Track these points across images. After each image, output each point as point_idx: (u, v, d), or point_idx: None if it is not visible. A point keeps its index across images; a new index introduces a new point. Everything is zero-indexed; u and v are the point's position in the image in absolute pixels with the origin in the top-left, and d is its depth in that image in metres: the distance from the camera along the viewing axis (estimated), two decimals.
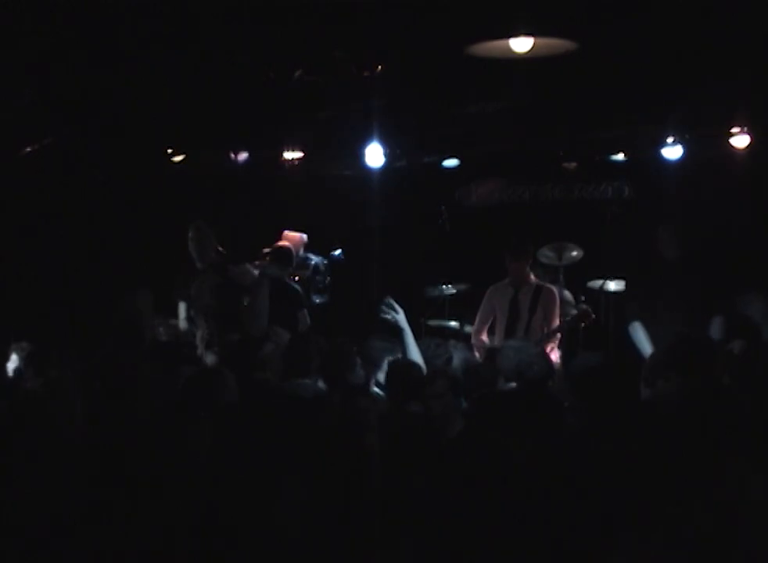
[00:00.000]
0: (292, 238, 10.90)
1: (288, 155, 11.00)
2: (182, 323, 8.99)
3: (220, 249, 9.13)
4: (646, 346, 7.30)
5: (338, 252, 11.07)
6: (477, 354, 8.60)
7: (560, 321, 8.69)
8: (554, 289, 8.90)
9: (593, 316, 8.77)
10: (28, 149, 9.60)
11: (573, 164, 11.73)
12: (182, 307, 8.97)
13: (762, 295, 6.68)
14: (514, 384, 6.34)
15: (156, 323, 9.85)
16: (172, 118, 9.15)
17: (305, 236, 11.07)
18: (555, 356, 8.49)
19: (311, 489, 4.05)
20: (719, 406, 3.82)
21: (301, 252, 10.90)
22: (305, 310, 9.45)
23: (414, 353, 6.60)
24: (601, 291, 10.76)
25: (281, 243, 9.96)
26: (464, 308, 10.64)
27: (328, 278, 11.07)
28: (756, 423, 3.80)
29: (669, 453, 3.89)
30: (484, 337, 8.85)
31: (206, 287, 8.86)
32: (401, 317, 7.02)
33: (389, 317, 7.12)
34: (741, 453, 3.57)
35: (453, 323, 10.66)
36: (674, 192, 11.10)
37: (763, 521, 3.27)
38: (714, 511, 3.28)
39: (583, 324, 8.81)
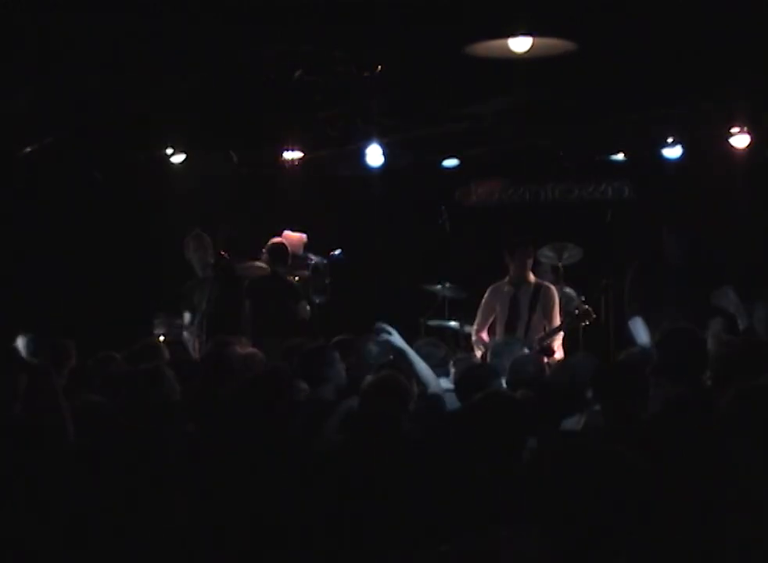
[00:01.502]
0: (292, 238, 10.90)
1: (288, 155, 11.00)
2: (185, 333, 8.99)
3: (223, 253, 9.12)
4: (643, 337, 7.31)
5: (338, 252, 11.08)
6: (478, 353, 8.62)
7: (561, 320, 8.70)
8: (554, 288, 8.91)
9: (595, 316, 8.78)
10: (28, 149, 9.60)
11: (573, 164, 11.74)
12: (187, 317, 8.97)
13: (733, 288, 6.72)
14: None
15: (157, 322, 9.86)
16: (172, 118, 9.15)
17: (305, 236, 11.08)
18: (560, 354, 8.52)
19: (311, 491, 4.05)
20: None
21: (301, 252, 10.92)
22: (304, 302, 9.41)
23: (424, 370, 6.39)
24: (602, 291, 10.78)
25: (275, 240, 9.95)
26: (464, 308, 10.64)
27: (328, 278, 11.08)
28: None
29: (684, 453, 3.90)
30: (484, 336, 8.86)
31: (208, 294, 8.84)
32: (396, 339, 6.78)
33: (383, 342, 6.91)
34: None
35: (453, 323, 10.66)
36: (674, 192, 11.11)
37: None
38: (725, 512, 3.28)
39: (584, 324, 8.83)
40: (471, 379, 5.83)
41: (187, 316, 9.00)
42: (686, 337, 5.61)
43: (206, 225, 9.42)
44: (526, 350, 7.12)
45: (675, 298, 7.31)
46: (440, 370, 6.48)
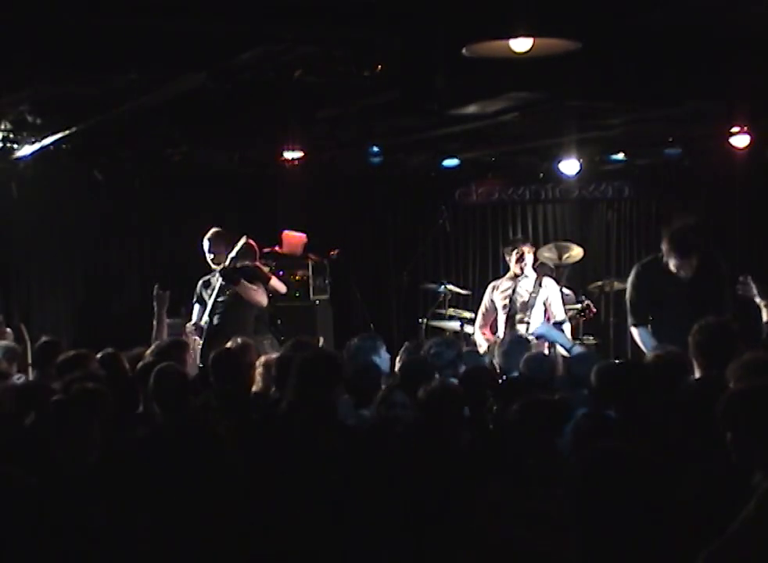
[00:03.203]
0: (292, 238, 10.91)
1: (288, 155, 11.00)
2: (190, 326, 8.86)
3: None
4: (648, 344, 7.29)
5: (337, 251, 11.10)
6: (481, 349, 8.64)
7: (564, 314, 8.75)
8: (554, 282, 8.93)
9: (595, 311, 8.81)
10: (30, 149, 9.60)
11: (573, 164, 11.74)
12: (197, 310, 8.83)
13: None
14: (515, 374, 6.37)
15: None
16: (172, 118, 9.14)
17: (305, 236, 11.08)
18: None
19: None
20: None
21: (301, 252, 10.92)
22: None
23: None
24: (602, 291, 10.78)
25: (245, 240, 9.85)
26: (464, 308, 10.65)
27: (328, 278, 11.08)
28: None
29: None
30: (487, 333, 8.88)
31: (218, 292, 8.70)
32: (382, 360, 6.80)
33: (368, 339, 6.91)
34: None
35: (453, 323, 10.67)
36: (674, 192, 11.12)
37: None
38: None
39: (584, 319, 8.86)
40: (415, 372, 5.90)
41: (197, 308, 8.82)
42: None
43: (205, 226, 9.38)
44: (533, 349, 7.12)
45: (678, 296, 7.28)
46: (449, 371, 6.41)
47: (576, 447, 4.25)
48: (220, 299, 8.50)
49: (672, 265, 7.26)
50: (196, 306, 8.76)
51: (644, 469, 2.74)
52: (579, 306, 8.80)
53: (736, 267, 7.82)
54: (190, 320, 8.71)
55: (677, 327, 6.99)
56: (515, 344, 6.94)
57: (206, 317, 8.46)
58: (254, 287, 8.48)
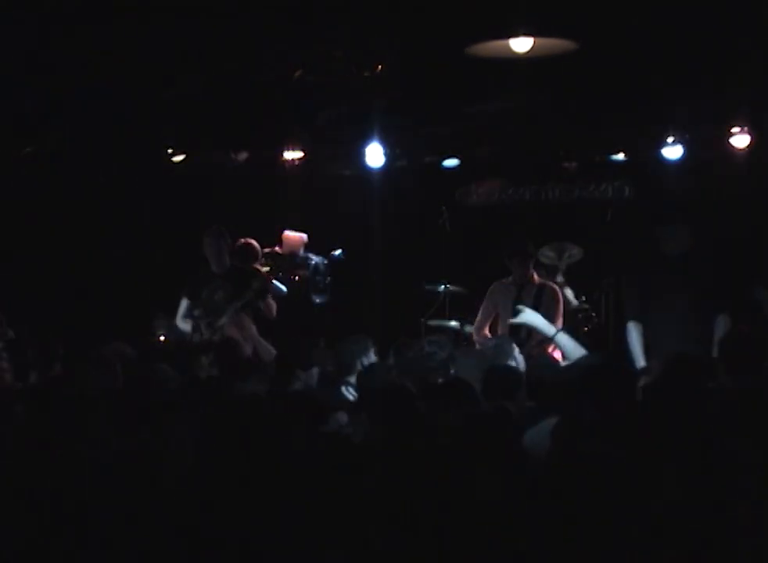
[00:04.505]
0: (292, 238, 10.90)
1: (288, 155, 11.00)
2: (180, 321, 8.83)
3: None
4: (638, 353, 7.27)
5: (338, 252, 11.07)
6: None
7: (563, 321, 8.71)
8: (557, 288, 8.91)
9: (596, 320, 8.78)
10: (28, 149, 9.61)
11: (573, 164, 11.73)
12: (184, 305, 8.81)
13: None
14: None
15: (157, 322, 9.84)
16: (172, 118, 9.15)
17: (305, 236, 11.06)
18: (558, 354, 8.53)
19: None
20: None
21: (301, 252, 10.90)
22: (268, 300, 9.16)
23: None
24: (602, 292, 10.77)
25: (244, 240, 9.85)
26: (464, 308, 10.64)
27: (328, 278, 11.06)
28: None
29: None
30: (487, 333, 8.86)
31: (220, 293, 8.69)
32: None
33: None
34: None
35: (453, 323, 10.66)
36: (674, 192, 11.11)
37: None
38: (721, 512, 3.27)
39: (585, 328, 8.82)
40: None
41: (184, 304, 8.80)
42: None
43: (204, 226, 9.39)
44: (517, 350, 7.05)
45: (674, 298, 7.28)
46: (440, 372, 6.37)
47: (553, 451, 4.23)
48: (230, 303, 8.55)
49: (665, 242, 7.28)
50: (185, 301, 8.77)
51: (620, 472, 2.73)
52: (579, 316, 8.74)
53: (736, 268, 7.82)
54: (198, 323, 8.70)
55: (674, 317, 7.01)
56: (497, 347, 6.89)
57: (224, 320, 8.52)
58: (272, 302, 8.84)
